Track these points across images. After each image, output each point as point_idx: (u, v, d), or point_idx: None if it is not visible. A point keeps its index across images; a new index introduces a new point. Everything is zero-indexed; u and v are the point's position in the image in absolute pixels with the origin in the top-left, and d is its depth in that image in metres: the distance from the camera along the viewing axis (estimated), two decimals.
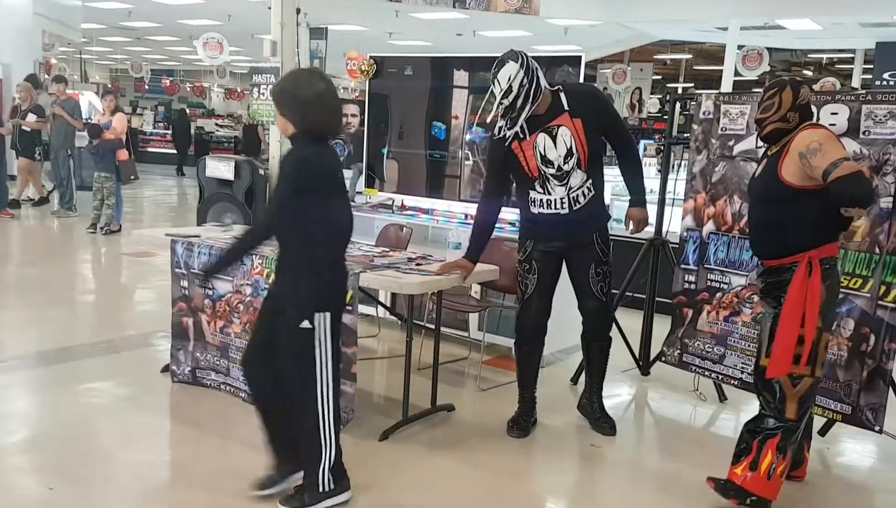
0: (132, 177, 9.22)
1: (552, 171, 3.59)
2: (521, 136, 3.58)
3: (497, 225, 5.19)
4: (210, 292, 3.98)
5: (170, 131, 21.67)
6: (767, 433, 3.05)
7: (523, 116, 3.50)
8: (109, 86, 23.94)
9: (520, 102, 3.45)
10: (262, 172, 6.20)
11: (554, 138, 3.55)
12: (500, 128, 3.63)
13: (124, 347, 4.94)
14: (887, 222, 3.38)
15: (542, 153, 3.57)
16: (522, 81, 3.42)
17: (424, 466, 3.45)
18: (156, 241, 4.58)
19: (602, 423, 3.91)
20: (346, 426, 3.63)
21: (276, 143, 6.10)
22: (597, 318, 3.81)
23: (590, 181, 3.62)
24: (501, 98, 3.46)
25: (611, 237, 3.81)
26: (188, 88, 28.41)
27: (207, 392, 4.07)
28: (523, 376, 3.91)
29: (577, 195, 3.61)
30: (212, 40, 13.86)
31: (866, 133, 3.44)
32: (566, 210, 3.63)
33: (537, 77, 3.47)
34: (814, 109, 3.54)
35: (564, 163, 3.56)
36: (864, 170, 2.87)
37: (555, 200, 3.63)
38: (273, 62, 5.92)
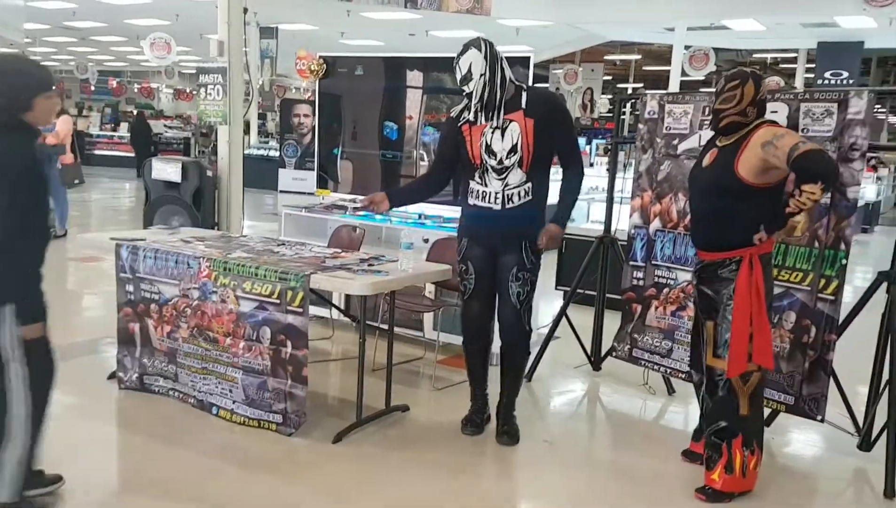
0: (76, 181, 8.99)
1: (493, 162, 3.55)
2: (473, 120, 3.57)
3: (452, 225, 5.24)
4: (156, 297, 3.91)
5: (117, 134, 21.23)
6: (730, 435, 3.15)
7: (481, 102, 3.49)
8: (54, 87, 23.34)
9: (479, 89, 3.46)
10: (209, 173, 6.10)
11: (503, 131, 3.54)
12: (459, 110, 3.64)
13: (70, 354, 4.79)
14: (826, 217, 3.48)
15: (488, 142, 3.55)
16: (483, 69, 3.44)
17: (378, 467, 3.44)
18: (101, 245, 4.48)
19: (500, 432, 3.76)
20: (299, 429, 3.61)
21: (225, 143, 6.01)
22: (509, 324, 3.69)
23: (528, 185, 3.56)
24: (461, 84, 3.50)
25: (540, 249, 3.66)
26: (136, 89, 27.85)
27: (155, 399, 4.00)
28: (472, 374, 3.90)
29: (512, 194, 3.56)
30: (159, 40, 13.63)
31: (805, 131, 3.53)
32: (499, 206, 3.58)
33: (501, 67, 3.48)
34: None
35: (507, 158, 3.53)
36: (823, 150, 2.94)
37: (490, 193, 3.59)
38: (220, 62, 5.83)
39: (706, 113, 3.97)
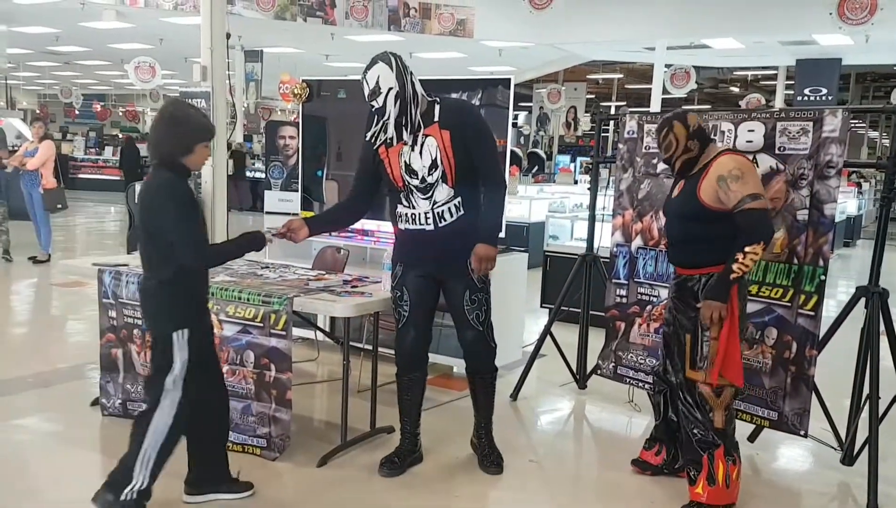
0: (59, 206, 8.96)
1: (416, 182, 3.40)
2: (389, 141, 3.41)
3: None
4: (139, 322, 3.89)
5: (101, 157, 21.20)
6: (710, 446, 3.20)
7: (392, 119, 3.34)
8: (38, 112, 23.32)
9: (390, 103, 3.31)
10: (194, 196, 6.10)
11: (421, 148, 3.38)
12: (373, 133, 3.46)
13: (53, 380, 4.78)
14: (804, 233, 3.53)
15: (407, 162, 3.40)
16: (392, 82, 3.29)
17: (364, 490, 3.42)
18: (83, 271, 4.45)
19: (487, 462, 3.66)
20: (283, 453, 3.59)
21: (209, 166, 6.01)
22: (474, 348, 3.58)
23: (458, 199, 3.39)
24: (370, 99, 3.35)
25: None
26: (121, 113, 27.82)
27: None
28: (403, 408, 3.66)
29: (443, 211, 3.40)
30: (143, 64, 13.67)
31: (781, 149, 3.59)
32: (431, 226, 3.42)
33: (411, 82, 3.34)
34: (731, 126, 3.72)
35: (429, 175, 3.37)
36: (769, 212, 3.15)
37: (419, 214, 3.43)
38: (204, 87, 5.85)
39: None
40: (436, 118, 3.38)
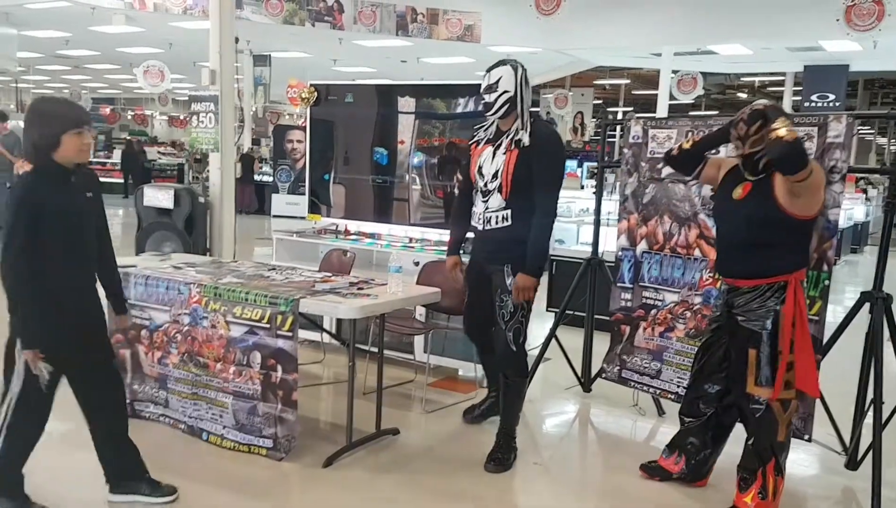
0: None
1: (481, 184, 3.73)
2: (482, 139, 3.77)
3: (441, 248, 5.30)
4: (147, 323, 3.93)
5: (109, 160, 21.37)
6: (765, 460, 3.19)
7: (495, 117, 3.66)
8: None
9: (497, 103, 3.59)
10: (202, 199, 6.14)
11: (494, 156, 3.68)
12: (480, 126, 3.83)
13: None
14: None
15: (481, 164, 3.73)
16: (509, 88, 3.56)
17: (368, 491, 3.44)
18: None
19: (489, 458, 3.74)
20: (289, 454, 3.62)
21: (217, 170, 6.06)
22: (496, 345, 3.77)
23: (508, 211, 3.62)
24: (483, 92, 3.62)
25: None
26: (129, 116, 27.98)
27: (146, 425, 3.99)
28: (485, 373, 4.29)
29: (491, 217, 3.68)
30: (153, 68, 13.76)
31: None
32: (480, 226, 3.76)
33: (523, 97, 3.60)
34: None
35: (490, 181, 3.67)
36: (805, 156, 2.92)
37: (477, 213, 3.78)
38: (212, 90, 5.90)
39: (687, 136, 4.04)
40: (517, 139, 3.61)
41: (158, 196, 6.15)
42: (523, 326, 3.71)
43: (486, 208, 3.71)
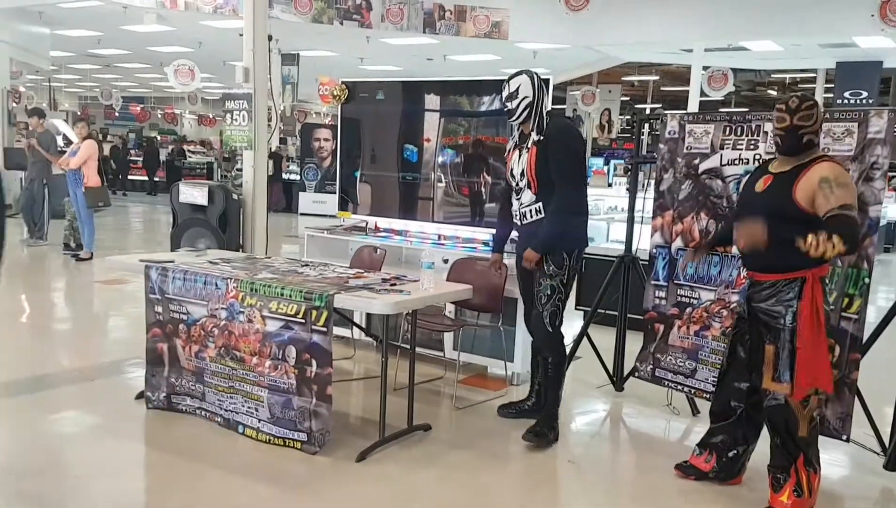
0: (101, 203, 9.18)
1: (514, 183, 4.06)
2: (511, 145, 4.11)
3: (470, 245, 5.32)
4: (185, 317, 3.98)
5: (142, 158, 21.82)
6: (794, 457, 3.17)
7: (518, 122, 3.97)
8: (80, 113, 23.85)
9: (519, 108, 3.89)
10: (235, 197, 6.20)
11: (520, 157, 4.00)
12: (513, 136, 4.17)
13: (98, 374, 4.89)
14: None
15: (512, 166, 4.05)
16: (528, 94, 3.88)
17: (402, 485, 3.46)
18: (129, 267, 4.57)
19: (527, 431, 3.95)
20: (323, 447, 3.64)
21: (250, 168, 6.11)
22: (534, 324, 4.06)
23: (539, 204, 3.95)
24: (506, 100, 3.92)
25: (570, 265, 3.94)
26: (159, 115, 28.30)
27: (183, 418, 4.05)
28: (532, 368, 4.38)
29: (526, 212, 4.02)
30: (183, 67, 13.90)
31: (825, 150, 3.54)
32: (519, 222, 4.09)
33: (542, 100, 3.93)
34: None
35: (521, 179, 4.00)
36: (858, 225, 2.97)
37: (515, 210, 4.10)
38: (246, 88, 5.95)
39: (727, 133, 4.00)
40: (533, 138, 3.92)
41: (193, 193, 6.23)
42: (559, 309, 3.98)
43: (521, 205, 4.03)
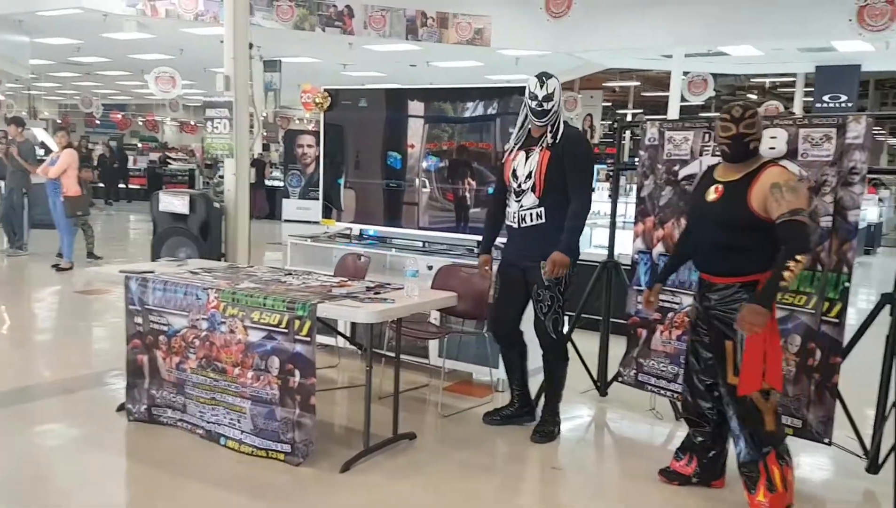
0: (80, 213, 9.10)
1: (515, 185, 4.02)
2: (512, 146, 4.08)
3: (457, 253, 5.32)
4: (165, 328, 3.95)
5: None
6: (762, 453, 3.20)
7: (537, 124, 3.96)
8: (61, 122, 23.64)
9: (553, 111, 3.91)
10: (216, 205, 6.16)
11: (527, 159, 3.98)
12: (517, 134, 4.13)
13: (78, 386, 4.84)
14: (827, 240, 3.52)
15: (515, 168, 4.03)
16: (558, 99, 3.94)
17: (387, 495, 3.44)
18: (109, 278, 4.52)
19: (534, 431, 4.14)
20: (307, 458, 3.62)
21: (232, 175, 6.08)
22: (537, 331, 4.10)
23: (541, 209, 3.94)
24: (544, 100, 3.89)
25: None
26: (140, 123, 28.13)
27: (164, 430, 4.01)
28: (507, 374, 4.38)
29: (526, 215, 3.99)
30: (164, 74, 13.82)
31: (804, 156, 3.59)
32: (516, 225, 4.05)
33: (560, 107, 3.98)
34: None
35: (525, 182, 3.97)
36: (809, 227, 3.05)
37: (512, 212, 4.06)
38: (226, 96, 5.92)
39: (706, 140, 4.03)
40: (547, 141, 3.94)
41: (174, 202, 6.18)
42: (560, 315, 4.04)
43: (521, 207, 4.00)
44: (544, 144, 3.93)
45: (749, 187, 3.12)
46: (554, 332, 4.04)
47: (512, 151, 4.09)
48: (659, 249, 4.27)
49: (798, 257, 2.92)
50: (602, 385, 4.89)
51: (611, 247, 4.85)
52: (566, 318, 4.12)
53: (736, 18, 11.36)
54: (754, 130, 3.16)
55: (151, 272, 4.12)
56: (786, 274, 2.94)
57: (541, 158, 3.92)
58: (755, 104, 3.25)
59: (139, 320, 4.05)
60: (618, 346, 4.67)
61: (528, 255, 3.99)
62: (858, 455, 3.73)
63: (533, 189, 3.93)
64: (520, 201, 3.99)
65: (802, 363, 3.60)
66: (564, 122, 4.03)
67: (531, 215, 3.97)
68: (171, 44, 14.29)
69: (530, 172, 3.93)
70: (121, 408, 4.21)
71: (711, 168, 3.39)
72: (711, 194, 3.26)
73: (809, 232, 3.05)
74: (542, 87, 3.90)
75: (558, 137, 3.93)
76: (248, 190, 6.17)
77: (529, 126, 4.02)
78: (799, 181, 3.50)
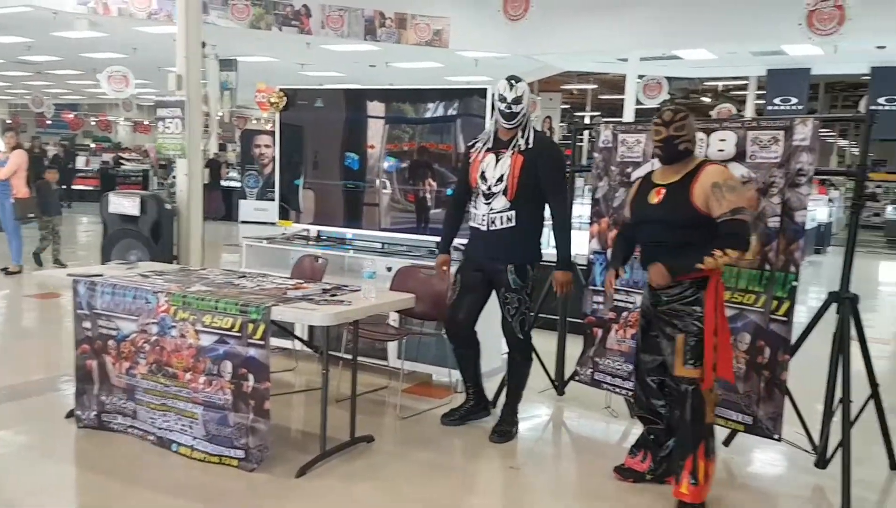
0: (30, 215, 8.87)
1: (484, 187, 4.00)
2: (480, 147, 4.07)
3: (416, 254, 5.30)
4: (114, 333, 3.86)
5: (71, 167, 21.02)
6: (694, 445, 3.29)
7: (505, 127, 3.95)
8: (10, 122, 23.01)
9: (521, 113, 3.92)
10: (168, 206, 6.05)
11: (497, 162, 3.97)
12: (475, 140, 4.17)
13: (27, 393, 4.71)
14: (775, 240, 3.59)
15: (483, 170, 4.01)
16: (527, 102, 3.95)
17: (343, 499, 3.41)
18: (58, 282, 4.41)
19: (493, 432, 4.16)
20: (261, 464, 3.57)
21: (184, 176, 5.98)
22: (504, 331, 4.13)
23: (512, 212, 3.95)
24: (512, 103, 3.89)
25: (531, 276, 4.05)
26: (93, 123, 27.54)
27: (114, 437, 3.92)
28: (461, 373, 4.39)
29: (496, 218, 3.98)
30: (116, 73, 13.56)
31: (752, 158, 3.65)
32: (484, 227, 4.02)
33: (528, 107, 4.00)
34: (703, 135, 3.78)
35: (495, 185, 3.96)
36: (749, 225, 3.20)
37: (479, 215, 4.04)
38: (178, 95, 5.83)
39: None
40: (519, 145, 3.95)
41: (124, 203, 6.05)
42: (527, 316, 4.08)
43: (491, 210, 3.99)
44: (516, 148, 3.94)
45: (690, 186, 3.22)
46: (521, 332, 4.09)
47: (480, 152, 4.08)
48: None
49: (728, 251, 3.08)
50: (560, 385, 4.92)
51: None
52: (533, 318, 4.18)
53: (690, 23, 11.56)
54: (684, 133, 3.27)
55: (100, 276, 4.03)
56: (707, 258, 3.11)
57: (513, 162, 3.92)
58: (688, 108, 3.38)
59: (88, 324, 3.95)
60: (575, 345, 4.71)
61: (496, 257, 4.01)
62: (807, 451, 3.81)
63: (505, 192, 3.93)
64: (490, 203, 3.98)
65: (752, 360, 3.67)
66: (533, 127, 4.06)
67: (502, 218, 3.96)
68: (124, 42, 14.01)
69: (502, 176, 3.93)
70: (70, 415, 4.11)
71: (649, 173, 3.51)
72: (654, 198, 3.36)
73: (749, 230, 3.16)
74: (511, 89, 3.91)
75: (531, 142, 3.94)
76: (201, 191, 6.07)
77: (497, 128, 4.03)
78: (746, 183, 3.59)
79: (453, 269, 4.31)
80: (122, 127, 31.49)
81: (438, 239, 4.51)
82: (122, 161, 21.92)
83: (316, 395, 4.29)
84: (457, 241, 4.71)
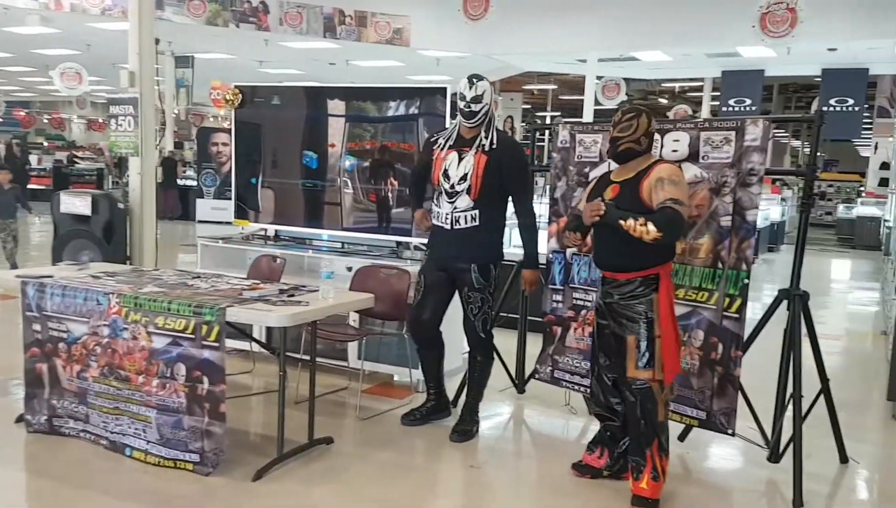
0: None
1: (447, 186, 3.98)
2: (443, 145, 4.04)
3: (377, 254, 5.28)
4: (65, 335, 3.76)
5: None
6: (648, 442, 3.37)
7: (469, 126, 3.95)
8: None
9: (481, 112, 3.91)
10: (121, 206, 5.91)
11: (460, 161, 3.96)
12: (437, 134, 4.15)
13: None
14: (728, 239, 3.65)
15: (446, 168, 3.99)
16: (488, 101, 3.93)
17: (301, 502, 3.38)
18: (6, 283, 4.29)
19: (453, 430, 4.16)
20: (217, 468, 3.52)
21: (137, 175, 5.86)
22: (465, 330, 4.15)
23: (476, 211, 3.96)
24: (472, 102, 3.89)
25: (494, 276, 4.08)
26: (45, 120, 26.88)
27: (66, 442, 3.83)
28: (424, 374, 4.41)
29: (459, 217, 3.98)
30: (69, 70, 13.26)
31: (705, 158, 3.71)
32: (448, 226, 4.01)
33: (492, 109, 3.99)
34: (657, 136, 3.82)
35: (458, 183, 3.95)
36: (686, 221, 3.28)
37: (442, 213, 4.03)
38: (131, 93, 5.71)
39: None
40: (483, 144, 3.94)
41: (75, 203, 5.90)
42: (489, 315, 4.11)
43: (455, 209, 3.98)
44: (480, 148, 3.93)
45: (641, 183, 3.30)
46: (483, 331, 4.10)
47: (442, 150, 4.06)
48: (572, 248, 4.34)
49: (651, 227, 3.12)
50: (520, 383, 4.94)
51: None
52: (494, 317, 4.19)
53: (646, 25, 11.71)
54: (626, 134, 3.35)
55: (50, 277, 3.93)
56: (630, 221, 3.17)
57: (476, 162, 3.91)
58: (641, 109, 3.44)
59: (37, 327, 3.85)
60: (535, 344, 4.73)
61: (459, 257, 4.02)
62: (760, 445, 3.89)
63: (468, 191, 3.93)
64: (453, 202, 3.98)
65: (705, 357, 3.73)
66: (496, 127, 4.05)
67: (465, 217, 3.97)
68: (78, 39, 13.67)
69: (466, 175, 3.92)
70: (20, 419, 4.00)
71: (608, 172, 3.58)
72: (609, 194, 3.42)
73: (681, 220, 3.21)
74: (471, 88, 3.90)
75: (495, 142, 3.94)
76: (154, 190, 5.96)
77: (459, 126, 4.03)
78: (699, 183, 3.65)
79: (416, 269, 4.31)
80: (76, 125, 30.75)
81: (400, 239, 4.60)
82: (76, 160, 21.44)
83: (274, 397, 4.23)
84: (418, 240, 4.72)
